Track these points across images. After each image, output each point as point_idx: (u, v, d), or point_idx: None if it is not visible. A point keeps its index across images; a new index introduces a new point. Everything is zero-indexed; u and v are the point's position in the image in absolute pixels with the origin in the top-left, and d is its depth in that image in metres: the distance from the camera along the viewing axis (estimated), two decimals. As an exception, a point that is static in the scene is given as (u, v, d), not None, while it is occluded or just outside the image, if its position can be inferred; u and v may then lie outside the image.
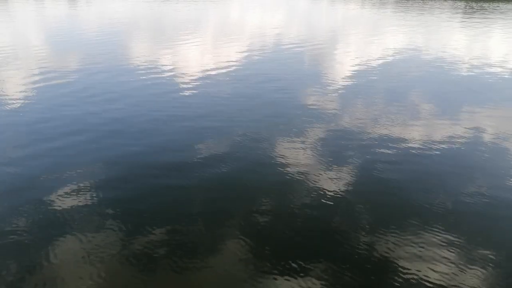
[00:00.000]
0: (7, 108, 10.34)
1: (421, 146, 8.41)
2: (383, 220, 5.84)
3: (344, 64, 16.06)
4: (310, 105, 10.95)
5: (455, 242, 5.38)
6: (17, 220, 5.71)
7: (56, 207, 6.02)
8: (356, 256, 5.09)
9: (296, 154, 7.95)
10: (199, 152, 7.97)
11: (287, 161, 7.64)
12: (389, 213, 6.04)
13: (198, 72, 14.42)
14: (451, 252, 5.19)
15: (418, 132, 9.18)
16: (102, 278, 4.66)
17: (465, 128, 9.49)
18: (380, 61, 16.66)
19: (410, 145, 8.47)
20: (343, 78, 13.84)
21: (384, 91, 12.40)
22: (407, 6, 43.03)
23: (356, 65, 15.97)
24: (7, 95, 11.41)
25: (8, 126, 9.14)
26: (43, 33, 22.81)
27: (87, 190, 6.52)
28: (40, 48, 18.38)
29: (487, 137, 8.97)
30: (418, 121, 9.83)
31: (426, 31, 25.59)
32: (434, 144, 8.53)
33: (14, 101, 10.87)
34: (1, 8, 36.63)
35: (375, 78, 13.96)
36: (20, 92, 11.71)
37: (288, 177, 7.04)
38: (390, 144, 8.48)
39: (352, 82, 13.33)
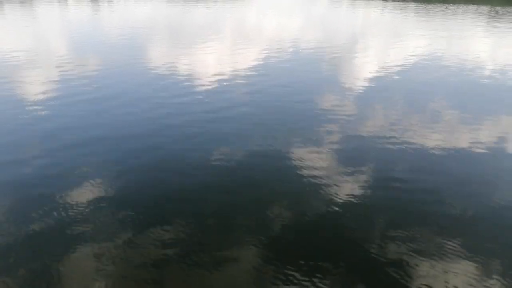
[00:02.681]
0: (27, 109, 10.59)
1: (440, 153, 8.20)
2: (399, 228, 5.70)
3: (363, 69, 15.86)
4: (327, 110, 10.84)
5: (472, 251, 5.20)
6: (33, 221, 5.81)
7: (71, 208, 6.11)
8: (370, 264, 4.97)
9: (312, 159, 7.86)
10: (215, 156, 7.97)
11: (303, 166, 7.56)
12: (405, 220, 5.89)
13: (216, 76, 14.47)
14: (468, 260, 5.02)
15: (438, 139, 8.96)
16: (114, 278, 4.68)
17: (486, 136, 9.21)
18: (400, 66, 16.39)
19: (429, 152, 8.27)
20: (361, 83, 13.66)
21: (403, 97, 12.18)
22: (429, 10, 42.32)
23: (375, 70, 15.75)
24: (28, 97, 11.69)
25: (26, 127, 9.35)
26: (65, 35, 23.36)
27: (103, 192, 6.59)
28: (62, 50, 18.81)
29: (509, 146, 8.68)
30: (438, 128, 9.60)
31: (448, 36, 25.08)
32: (453, 152, 8.30)
33: (33, 104, 11.12)
34: (26, 10, 37.75)
35: (394, 83, 13.73)
36: (41, 94, 11.98)
37: (304, 182, 6.96)
38: (409, 151, 8.29)
39: (370, 87, 13.14)
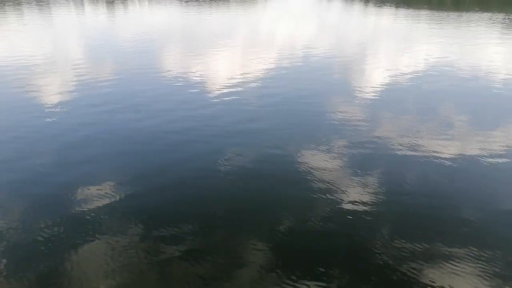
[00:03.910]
0: (40, 113, 10.92)
1: (452, 161, 8.26)
2: (408, 235, 5.79)
3: (374, 76, 15.95)
4: (338, 116, 10.96)
5: (485, 261, 5.27)
6: (45, 222, 6.05)
7: (83, 211, 6.34)
8: (378, 270, 5.08)
9: (321, 165, 7.99)
10: (224, 161, 8.15)
11: (312, 172, 7.69)
12: (415, 228, 5.98)
13: (227, 81, 14.71)
14: (480, 270, 5.08)
15: (448, 146, 9.02)
16: (123, 280, 4.87)
17: (499, 145, 9.24)
18: (412, 74, 16.42)
19: (438, 159, 8.33)
20: (372, 90, 13.75)
21: (415, 104, 12.24)
22: (442, 18, 42.13)
23: (386, 77, 15.82)
24: (43, 102, 12.05)
25: (40, 131, 9.66)
26: (81, 40, 23.90)
27: (113, 195, 6.81)
28: (78, 55, 19.28)
29: (520, 155, 8.70)
30: (448, 136, 9.65)
31: (461, 43, 24.98)
32: (465, 160, 8.36)
33: (47, 108, 11.47)
34: (44, 15, 38.63)
35: (406, 90, 13.79)
36: (55, 99, 12.34)
37: (313, 188, 7.09)
38: (420, 158, 8.37)
39: (381, 94, 13.23)
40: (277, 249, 5.42)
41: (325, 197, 6.78)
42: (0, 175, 7.29)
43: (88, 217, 6.06)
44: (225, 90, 13.35)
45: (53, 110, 11.06)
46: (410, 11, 50.65)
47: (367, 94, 13.22)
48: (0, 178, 7.19)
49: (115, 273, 4.92)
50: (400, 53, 21.25)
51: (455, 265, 5.16)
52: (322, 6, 61.11)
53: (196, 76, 15.29)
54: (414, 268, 5.08)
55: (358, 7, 56.27)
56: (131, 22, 35.08)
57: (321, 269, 5.05)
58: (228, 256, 5.29)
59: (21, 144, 8.72)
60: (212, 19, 39.21)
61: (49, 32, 27.29)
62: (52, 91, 12.86)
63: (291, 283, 4.83)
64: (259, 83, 14.50)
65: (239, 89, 13.59)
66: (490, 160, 8.36)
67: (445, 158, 8.37)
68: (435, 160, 8.27)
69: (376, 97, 12.86)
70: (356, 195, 6.86)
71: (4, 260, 5.09)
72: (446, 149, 8.86)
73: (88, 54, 19.43)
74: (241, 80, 14.89)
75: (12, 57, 18.29)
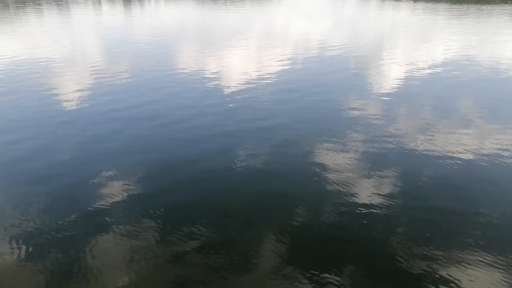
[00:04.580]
0: (58, 110, 11.16)
1: (469, 160, 8.09)
2: (421, 234, 5.72)
3: (391, 71, 15.72)
4: (352, 111, 10.87)
5: (501, 261, 5.16)
6: (63, 216, 6.20)
7: (100, 206, 6.46)
8: (392, 269, 5.03)
9: (336, 161, 7.94)
10: (239, 156, 8.19)
11: (326, 168, 7.66)
12: (430, 228, 5.89)
13: (243, 78, 14.73)
14: (495, 270, 4.99)
15: (466, 144, 8.84)
16: (138, 274, 4.96)
17: (519, 141, 9.00)
18: (430, 69, 16.13)
19: (457, 157, 8.18)
20: (388, 85, 13.57)
21: (432, 100, 12.02)
22: (461, 12, 41.15)
23: (403, 72, 15.58)
24: (60, 98, 12.31)
25: (58, 127, 9.88)
26: (98, 39, 24.29)
27: (129, 190, 6.93)
28: (94, 54, 19.60)
29: (542, 152, 8.46)
30: (467, 133, 9.46)
31: (481, 38, 24.37)
32: (482, 159, 8.18)
33: (65, 105, 11.71)
34: (63, 15, 39.39)
35: (423, 85, 13.55)
36: (72, 96, 12.59)
37: (327, 183, 7.06)
38: (436, 156, 8.23)
39: (398, 90, 13.04)
40: (291, 246, 5.42)
41: (340, 194, 6.75)
42: (18, 170, 7.50)
43: (105, 212, 6.18)
44: (241, 87, 13.38)
45: (70, 107, 11.30)
46: (429, 5, 49.61)
47: (384, 90, 13.05)
48: (18, 173, 7.40)
49: (130, 267, 5.02)
50: (418, 48, 20.88)
51: (470, 269, 5.07)
52: (338, 1, 60.52)
53: (212, 73, 15.37)
54: (428, 269, 5.02)
55: (375, 2, 55.47)
56: (148, 20, 35.45)
57: (334, 267, 5.03)
58: (242, 251, 5.33)
59: (38, 140, 8.94)
60: (228, 16, 39.27)
61: (67, 31, 27.82)
62: (70, 89, 13.13)
63: (305, 279, 4.83)
64: (275, 79, 14.47)
65: (255, 85, 13.60)
66: (509, 159, 8.15)
67: (464, 157, 8.20)
68: (453, 158, 8.12)
69: (393, 93, 12.68)
70: (371, 192, 6.80)
71: (22, 253, 5.24)
72: (465, 147, 8.68)
73: (104, 53, 19.74)
74: (257, 76, 14.89)
75: (31, 56, 18.73)
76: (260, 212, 6.21)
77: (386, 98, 12.15)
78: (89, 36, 25.73)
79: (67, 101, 11.96)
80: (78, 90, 13.03)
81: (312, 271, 4.97)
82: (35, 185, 7.02)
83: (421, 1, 53.39)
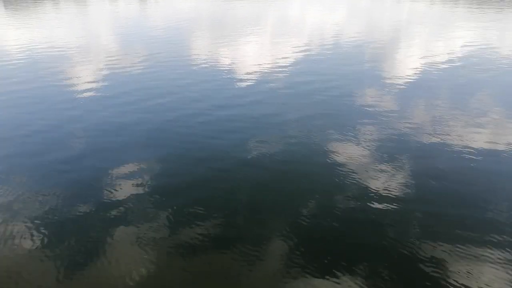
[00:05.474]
0: (74, 100, 11.30)
1: (484, 155, 7.91)
2: (433, 230, 5.63)
3: (407, 63, 15.42)
4: (367, 104, 10.72)
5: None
6: (79, 206, 6.30)
7: (115, 196, 6.55)
8: (404, 266, 4.98)
9: (350, 155, 7.87)
10: (251, 149, 8.17)
11: (340, 162, 7.59)
12: (441, 223, 5.80)
13: (255, 69, 14.66)
14: (507, 271, 4.89)
15: (482, 139, 8.63)
16: (150, 264, 5.02)
17: (538, 136, 8.74)
18: (446, 62, 15.76)
19: (471, 153, 8.00)
20: (404, 78, 13.32)
21: (449, 94, 11.76)
22: (482, 2, 40.00)
23: (419, 65, 15.26)
24: (77, 88, 12.46)
25: (74, 117, 10.01)
26: (113, 29, 24.45)
27: (142, 182, 7.00)
28: (110, 44, 19.75)
29: (562, 148, 8.20)
30: (483, 128, 9.23)
31: (502, 29, 23.66)
32: (498, 154, 7.98)
33: (81, 94, 11.85)
34: (79, 4, 39.74)
35: (439, 79, 13.27)
36: (89, 86, 12.72)
37: (338, 178, 7.00)
38: (450, 150, 8.07)
39: (414, 82, 12.80)
40: (301, 242, 5.41)
41: (353, 188, 6.68)
42: (34, 162, 7.64)
43: (118, 204, 6.26)
44: (254, 79, 13.32)
45: (85, 98, 11.43)
46: (448, -5, 48.42)
47: (399, 83, 12.82)
48: (33, 164, 7.54)
49: (141, 259, 5.08)
50: (435, 39, 20.41)
51: (482, 267, 4.97)
52: (355, -9, 59.46)
53: (225, 65, 15.33)
54: (439, 265, 4.95)
55: (392, -8, 54.34)
56: (162, 11, 35.50)
57: (344, 263, 5.00)
58: (253, 246, 5.34)
59: (54, 130, 9.08)
60: (243, 7, 39.03)
61: (83, 22, 28.08)
62: (84, 80, 13.28)
63: (314, 276, 4.82)
64: (288, 71, 14.36)
65: (268, 78, 13.51)
66: (528, 153, 7.93)
67: (480, 153, 8.01)
68: (468, 154, 7.94)
69: (409, 87, 12.45)
70: (384, 187, 6.72)
71: (39, 242, 5.36)
72: (481, 142, 8.48)
73: (119, 43, 19.87)
74: (270, 69, 14.79)
75: (47, 46, 18.98)
76: (271, 207, 6.21)
77: (401, 91, 11.93)
78: (104, 26, 25.92)
79: (82, 92, 12.09)
80: (92, 82, 13.16)
81: (321, 268, 4.95)
82: (50, 177, 7.14)
83: (440, -9, 52.13)
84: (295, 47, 18.98)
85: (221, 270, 4.90)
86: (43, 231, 5.61)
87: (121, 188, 6.69)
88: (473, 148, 8.16)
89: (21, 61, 16.10)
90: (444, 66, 15.07)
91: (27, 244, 5.36)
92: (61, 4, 42.27)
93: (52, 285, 4.66)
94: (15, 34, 22.91)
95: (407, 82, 12.90)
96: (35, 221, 5.83)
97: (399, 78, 13.39)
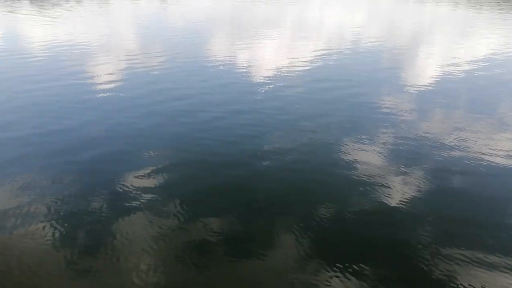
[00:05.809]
0: (94, 93, 11.53)
1: (503, 162, 7.73)
2: (448, 236, 5.53)
3: (427, 67, 15.19)
4: (384, 108, 10.60)
5: (530, 268, 4.93)
6: (92, 197, 6.42)
7: (129, 193, 6.65)
8: (414, 268, 4.92)
9: (365, 157, 7.80)
10: (266, 147, 8.19)
11: (353, 164, 7.54)
12: (456, 229, 5.69)
13: (272, 70, 14.67)
14: (523, 277, 4.77)
15: (502, 146, 8.43)
16: (161, 255, 5.09)
17: (561, 144, 8.49)
18: (468, 66, 15.45)
19: (491, 159, 7.83)
20: (423, 82, 13.12)
21: (470, 99, 11.53)
22: (508, 6, 39.01)
23: (440, 69, 15.01)
24: (95, 82, 12.70)
25: (93, 109, 10.20)
26: (133, 26, 24.83)
27: (156, 175, 7.09)
28: (130, 40, 20.07)
29: None
30: (504, 134, 9.02)
31: (528, 34, 23.03)
32: (519, 160, 7.78)
33: (99, 89, 12.07)
34: (103, 6, 40.48)
35: (460, 84, 13.02)
36: (106, 81, 12.96)
37: (353, 180, 6.95)
38: (469, 157, 7.91)
39: (433, 87, 12.59)
40: (314, 240, 5.40)
41: (366, 190, 6.63)
42: (51, 157, 7.83)
43: (133, 200, 6.37)
44: (271, 79, 13.33)
45: (104, 95, 11.65)
46: (472, -1, 47.45)
47: (418, 87, 12.63)
48: (50, 160, 7.73)
49: (152, 249, 5.16)
50: (458, 44, 20.03)
51: (498, 276, 4.86)
52: (376, -7, 58.84)
53: (243, 65, 15.39)
54: (453, 273, 4.86)
55: (414, -5, 53.58)
56: (182, 10, 35.86)
57: (356, 264, 4.97)
58: (265, 244, 5.35)
59: (72, 128, 9.28)
60: (263, 7, 39.09)
61: (104, 18, 28.60)
62: (104, 75, 13.53)
63: (325, 274, 4.81)
64: (306, 73, 14.32)
65: (285, 78, 13.51)
66: (550, 161, 7.71)
67: (498, 160, 7.83)
68: (486, 161, 7.77)
69: (428, 91, 12.25)
70: (398, 190, 6.64)
71: (52, 229, 5.50)
72: (500, 149, 8.28)
73: (139, 42, 20.16)
74: (288, 72, 14.78)
75: (69, 43, 19.41)
76: (285, 206, 6.21)
77: (421, 97, 11.76)
78: (125, 25, 26.34)
79: (100, 91, 12.32)
80: (111, 81, 13.39)
81: (333, 267, 4.93)
82: (66, 174, 7.30)
83: (464, -5, 51.12)
84: (313, 50, 18.91)
85: (232, 268, 4.93)
86: (58, 226, 5.74)
87: (135, 187, 6.80)
88: (493, 157, 7.98)
89: (42, 58, 16.52)
90: (466, 72, 14.78)
91: (43, 237, 5.50)
92: (84, 2, 43.16)
93: (64, 276, 4.77)
94: (39, 30, 23.51)
95: (427, 88, 12.70)
96: (52, 216, 5.97)
97: (419, 84, 13.20)
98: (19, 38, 20.52)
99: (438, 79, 13.55)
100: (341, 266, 4.95)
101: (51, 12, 32.60)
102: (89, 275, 4.77)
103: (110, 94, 11.65)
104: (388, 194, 6.55)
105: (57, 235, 5.48)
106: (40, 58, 16.15)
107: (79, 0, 44.83)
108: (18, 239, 5.37)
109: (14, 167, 7.30)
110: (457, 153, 8.04)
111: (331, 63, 15.91)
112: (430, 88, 12.55)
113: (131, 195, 6.48)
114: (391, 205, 6.25)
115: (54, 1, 42.43)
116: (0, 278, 4.68)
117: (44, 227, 5.63)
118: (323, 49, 18.64)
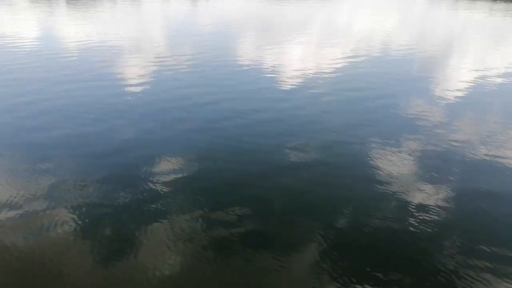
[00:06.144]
0: (122, 91, 11.82)
1: (538, 176, 7.43)
2: (474, 248, 5.37)
3: (459, 76, 14.78)
4: (412, 116, 10.39)
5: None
6: (118, 197, 6.59)
7: (151, 190, 6.79)
8: (438, 280, 4.80)
9: (391, 164, 7.68)
10: (290, 150, 8.18)
11: (380, 169, 7.44)
12: (483, 242, 5.52)
13: (298, 74, 14.63)
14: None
15: (536, 159, 8.10)
16: (182, 254, 5.17)
17: None
18: (502, 76, 14.93)
19: (523, 173, 7.54)
20: (454, 91, 12.78)
21: (502, 110, 11.15)
22: (548, 14, 37.45)
23: (472, 77, 14.58)
24: (123, 82, 13.01)
25: (121, 108, 10.46)
26: (163, 29, 25.30)
27: (180, 179, 7.20)
28: (160, 40, 20.47)
29: None
30: (539, 147, 8.66)
31: None
32: (554, 176, 7.46)
33: (125, 90, 12.37)
34: (135, 6, 41.47)
35: (493, 94, 12.60)
36: (135, 81, 13.25)
37: (379, 186, 6.86)
38: (499, 170, 7.66)
39: (465, 96, 12.25)
40: (334, 245, 5.35)
41: (391, 197, 6.52)
42: (82, 148, 8.09)
43: (155, 197, 6.50)
44: (298, 83, 13.31)
45: (131, 93, 11.92)
46: (510, 5, 45.78)
47: (449, 96, 12.31)
48: (77, 154, 7.99)
49: (174, 248, 5.25)
50: (491, 52, 19.39)
51: (530, 292, 4.68)
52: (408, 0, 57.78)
53: (269, 67, 15.43)
54: (477, 286, 4.72)
55: (447, 1, 52.24)
56: (212, 11, 36.29)
57: (378, 271, 4.89)
58: (284, 246, 5.36)
59: (98, 124, 9.56)
60: (293, 10, 39.06)
61: (136, 20, 29.28)
62: (133, 75, 13.85)
63: (346, 280, 4.76)
64: (332, 77, 14.21)
65: (311, 82, 13.45)
66: None
67: (532, 172, 7.54)
68: (519, 173, 7.49)
69: (459, 98, 11.93)
70: (423, 200, 6.50)
71: (78, 225, 5.69)
72: (535, 162, 7.96)
73: (169, 42, 20.54)
74: (314, 73, 14.72)
75: (101, 42, 19.98)
76: (306, 210, 6.19)
77: (450, 105, 11.46)
78: (155, 25, 26.89)
79: (128, 88, 12.62)
80: (139, 79, 13.70)
81: (354, 275, 4.88)
82: (92, 169, 7.53)
83: (500, 1, 49.45)
84: (341, 52, 18.75)
85: (250, 268, 4.95)
86: (83, 218, 5.92)
87: (158, 184, 6.93)
88: (525, 169, 7.69)
89: (75, 58, 17.06)
90: (499, 80, 14.29)
91: (67, 230, 5.68)
92: (117, 2, 44.34)
93: (86, 270, 4.92)
94: (74, 30, 24.31)
95: (457, 96, 12.36)
96: (76, 210, 6.17)
97: (449, 91, 12.87)
98: (55, 38, 21.30)
99: (471, 89, 13.16)
100: (361, 274, 4.89)
101: (86, 13, 33.67)
102: (112, 267, 4.91)
103: (139, 96, 11.92)
104: (413, 205, 6.42)
105: (83, 230, 5.65)
106: (74, 58, 16.70)
107: (112, 1, 46.09)
108: (45, 233, 5.58)
109: (46, 165, 7.59)
110: (486, 166, 7.80)
111: (360, 68, 15.72)
112: (462, 97, 12.21)
113: (152, 189, 6.62)
114: (415, 214, 6.12)
115: (89, 1, 43.80)
116: (26, 269, 4.87)
117: (70, 223, 5.81)
118: (352, 54, 18.45)
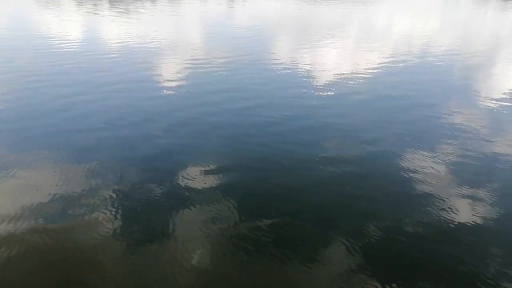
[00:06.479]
0: (157, 91, 12.07)
1: None
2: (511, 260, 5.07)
3: (503, 81, 14.04)
4: (452, 123, 9.97)
5: None
6: (149, 191, 6.73)
7: (182, 185, 6.90)
8: (478, 313, 4.57)
9: (424, 172, 7.42)
10: (320, 153, 8.10)
11: (415, 176, 7.21)
12: (531, 272, 5.20)
13: (333, 79, 14.40)
14: None
15: None
16: (210, 253, 5.21)
17: None
18: (554, 85, 14.02)
19: None
20: (498, 98, 12.15)
21: (553, 122, 10.47)
22: None
23: (520, 86, 13.80)
24: (158, 83, 13.29)
25: (156, 108, 10.69)
26: (201, 29, 25.67)
27: (211, 174, 7.28)
28: (196, 42, 20.77)
29: None
30: None
31: None
32: None
33: (160, 91, 12.62)
34: (174, 7, 42.34)
35: (543, 105, 11.86)
36: (168, 83, 13.51)
37: (412, 193, 6.65)
38: (549, 189, 7.19)
39: (509, 102, 11.62)
40: (365, 253, 5.22)
41: (425, 205, 6.28)
42: (117, 142, 8.34)
43: (187, 190, 6.59)
44: (332, 89, 13.10)
45: (166, 94, 12.17)
46: None
47: (492, 102, 11.71)
48: (116, 145, 8.24)
49: (203, 243, 5.30)
50: (542, 59, 18.27)
51: None
52: (451, 0, 55.59)
53: (304, 71, 15.28)
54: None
55: (495, 2, 49.81)
56: (248, 12, 36.45)
57: (408, 282, 4.73)
58: (313, 251, 5.29)
59: (138, 117, 9.82)
60: (329, 12, 38.57)
61: (175, 20, 29.89)
62: (169, 77, 14.13)
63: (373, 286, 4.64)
64: (370, 82, 13.88)
65: (347, 87, 13.20)
66: None
67: None
68: None
69: (503, 107, 11.32)
70: (461, 210, 6.21)
71: (110, 218, 5.86)
72: None
73: (205, 43, 20.81)
74: (351, 78, 14.44)
75: (139, 42, 20.53)
76: (336, 215, 6.08)
77: (493, 112, 10.90)
78: (193, 25, 27.34)
79: (163, 90, 12.89)
80: (174, 80, 13.95)
81: (382, 284, 4.74)
82: (126, 168, 7.73)
83: (554, 2, 46.63)
84: (380, 57, 18.29)
85: (277, 270, 4.92)
86: (117, 215, 6.09)
87: (190, 184, 7.02)
88: None
89: (115, 56, 17.63)
90: (550, 90, 13.44)
91: (101, 224, 5.85)
92: (157, 3, 45.45)
93: (120, 262, 5.05)
94: (115, 30, 25.13)
95: (501, 103, 11.75)
96: (111, 206, 6.36)
97: (493, 97, 12.25)
98: (98, 39, 22.11)
99: (517, 99, 12.46)
100: (392, 285, 4.74)
101: (127, 14, 34.74)
102: (143, 262, 5.04)
103: (176, 99, 12.14)
104: (449, 211, 6.15)
105: (114, 223, 5.82)
106: (115, 59, 17.27)
107: (152, 0, 47.30)
108: (78, 224, 5.79)
109: (82, 157, 7.91)
110: (535, 185, 7.35)
111: (399, 74, 15.28)
112: (505, 103, 11.59)
113: (186, 191, 6.72)
114: (449, 224, 5.86)
115: (130, 2, 45.16)
116: (59, 262, 5.06)
117: (102, 215, 6.01)
118: (391, 60, 17.96)
